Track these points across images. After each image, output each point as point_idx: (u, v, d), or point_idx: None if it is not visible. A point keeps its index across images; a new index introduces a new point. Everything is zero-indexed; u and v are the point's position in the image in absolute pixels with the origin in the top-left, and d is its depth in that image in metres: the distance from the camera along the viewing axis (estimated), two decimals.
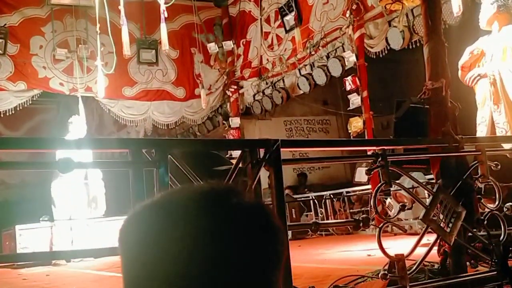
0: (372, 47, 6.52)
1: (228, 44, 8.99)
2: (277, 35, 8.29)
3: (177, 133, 11.03)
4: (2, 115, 7.89)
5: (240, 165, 2.16)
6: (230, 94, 9.30)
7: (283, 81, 8.23)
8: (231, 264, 0.62)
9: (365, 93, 6.59)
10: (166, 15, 6.12)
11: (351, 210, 7.69)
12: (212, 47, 8.97)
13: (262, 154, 2.17)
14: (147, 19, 8.40)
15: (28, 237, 7.13)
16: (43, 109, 12.20)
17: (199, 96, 9.17)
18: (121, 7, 5.82)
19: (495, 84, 3.89)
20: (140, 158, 1.55)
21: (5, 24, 7.71)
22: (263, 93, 8.63)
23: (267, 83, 8.53)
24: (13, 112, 7.92)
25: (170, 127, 9.52)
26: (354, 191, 7.80)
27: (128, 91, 8.79)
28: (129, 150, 1.57)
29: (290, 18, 7.80)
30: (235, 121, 9.16)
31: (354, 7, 6.46)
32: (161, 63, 8.95)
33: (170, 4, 6.55)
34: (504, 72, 3.87)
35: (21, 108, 7.98)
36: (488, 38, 4.09)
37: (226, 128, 9.27)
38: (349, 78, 6.72)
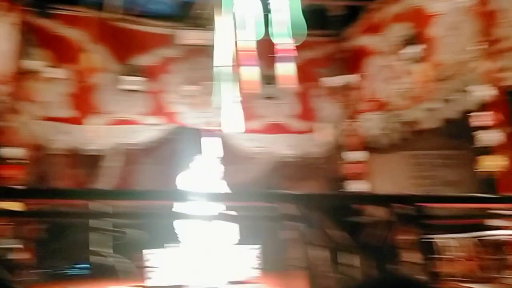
0: (507, 80, 5.98)
1: (348, 78, 8.91)
2: (400, 68, 8.01)
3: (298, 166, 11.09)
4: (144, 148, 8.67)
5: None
6: (351, 128, 9.16)
7: (407, 115, 7.90)
8: None
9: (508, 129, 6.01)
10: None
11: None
12: (331, 81, 8.97)
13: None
14: (268, 53, 8.70)
15: (156, 262, 7.48)
16: (174, 139, 13.12)
17: (319, 131, 9.20)
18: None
19: None
20: (281, 212, 1.58)
21: (141, 64, 8.53)
22: (386, 127, 8.35)
23: (390, 117, 8.25)
24: (153, 145, 8.66)
25: (292, 160, 9.61)
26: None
27: (252, 124, 9.12)
28: (273, 204, 1.62)
29: (414, 50, 7.51)
30: (356, 156, 8.97)
31: (485, 38, 6.02)
32: (283, 97, 9.18)
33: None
34: None
35: (159, 143, 8.70)
36: None
37: (347, 163, 9.10)
38: (481, 113, 6.21)
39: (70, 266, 8.74)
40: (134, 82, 8.27)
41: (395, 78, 8.13)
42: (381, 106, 8.47)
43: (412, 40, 7.49)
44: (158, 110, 8.61)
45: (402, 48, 7.79)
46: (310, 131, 9.33)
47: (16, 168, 7.97)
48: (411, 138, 8.55)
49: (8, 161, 7.75)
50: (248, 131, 9.06)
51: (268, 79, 8.84)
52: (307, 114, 9.36)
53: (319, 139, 9.24)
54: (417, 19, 7.51)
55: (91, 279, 7.75)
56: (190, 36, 8.51)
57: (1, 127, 7.47)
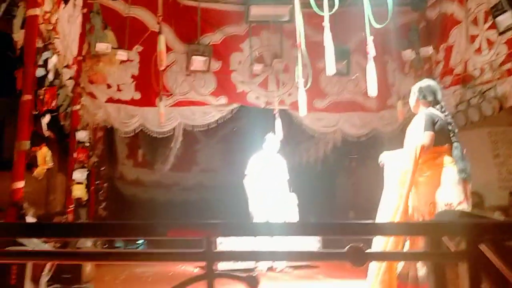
0: None
1: (426, 50, 8.30)
2: (487, 39, 7.34)
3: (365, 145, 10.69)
4: (206, 128, 8.51)
5: None
6: None
7: (495, 90, 7.25)
8: None
9: None
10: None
11: None
12: (408, 54, 8.40)
13: None
14: (339, 28, 8.21)
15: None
16: (234, 117, 13.00)
17: (391, 107, 8.68)
18: (326, 24, 5.63)
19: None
20: (439, 247, 1.27)
21: (209, 43, 8.27)
22: (469, 103, 7.73)
23: (474, 92, 7.63)
24: (216, 125, 8.48)
25: (360, 139, 9.19)
26: None
27: (319, 103, 8.74)
28: (426, 237, 1.30)
29: (504, 19, 6.82)
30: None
31: None
32: (353, 73, 8.71)
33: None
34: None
35: (222, 121, 8.49)
36: None
37: None
38: None
39: None
40: (201, 62, 8.03)
41: (480, 49, 7.47)
42: (464, 79, 7.84)
43: (502, 6, 6.79)
44: (226, 90, 8.36)
45: (489, 16, 7.12)
46: (382, 108, 8.83)
47: (86, 151, 8.02)
48: (492, 115, 7.91)
49: (79, 144, 7.79)
50: (314, 109, 8.70)
51: (339, 54, 8.38)
52: (378, 90, 8.82)
53: (391, 116, 8.73)
54: None
55: None
56: (261, 11, 8.10)
57: (73, 111, 7.47)
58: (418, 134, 4.16)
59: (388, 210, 4.16)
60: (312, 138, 10.42)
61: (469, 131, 8.94)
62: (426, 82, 4.59)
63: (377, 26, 5.44)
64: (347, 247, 1.38)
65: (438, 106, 4.35)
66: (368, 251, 1.49)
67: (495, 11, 6.94)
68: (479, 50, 7.48)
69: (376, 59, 8.75)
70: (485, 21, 7.31)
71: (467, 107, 7.71)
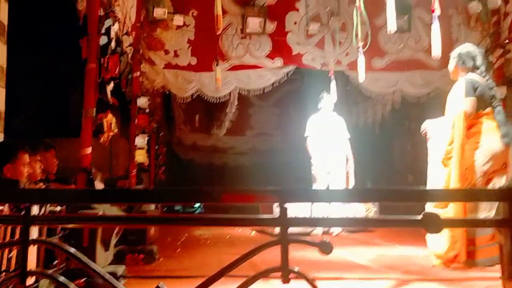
0: None
1: (495, 2, 7.75)
2: None
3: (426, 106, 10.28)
4: (261, 92, 8.47)
5: None
6: (494, 60, 8.08)
7: None
8: None
9: None
10: None
11: None
12: (474, 6, 7.89)
13: None
14: None
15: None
16: (288, 80, 12.81)
17: None
18: None
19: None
20: None
21: (264, 4, 8.11)
22: None
23: None
24: (271, 88, 8.42)
25: (420, 100, 8.85)
26: None
27: (378, 62, 8.44)
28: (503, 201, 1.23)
29: None
30: (501, 91, 7.95)
31: None
32: (414, 29, 8.32)
33: None
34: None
35: (277, 84, 8.42)
36: None
37: None
38: None
39: None
40: (257, 24, 7.92)
41: None
42: None
43: None
44: (282, 52, 8.23)
45: None
46: (445, 66, 8.40)
47: (146, 117, 8.21)
48: None
49: (140, 110, 7.98)
50: (372, 69, 8.42)
51: (401, 8, 7.99)
52: (443, 46, 8.39)
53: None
54: None
55: None
56: None
57: (133, 78, 7.63)
58: (459, 101, 4.08)
59: (438, 183, 4.06)
60: (369, 99, 10.15)
61: None
62: (465, 47, 4.45)
63: None
64: (422, 214, 1.34)
65: (478, 71, 4.22)
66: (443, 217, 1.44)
67: None
68: None
69: (440, 13, 8.35)
70: None
71: None
